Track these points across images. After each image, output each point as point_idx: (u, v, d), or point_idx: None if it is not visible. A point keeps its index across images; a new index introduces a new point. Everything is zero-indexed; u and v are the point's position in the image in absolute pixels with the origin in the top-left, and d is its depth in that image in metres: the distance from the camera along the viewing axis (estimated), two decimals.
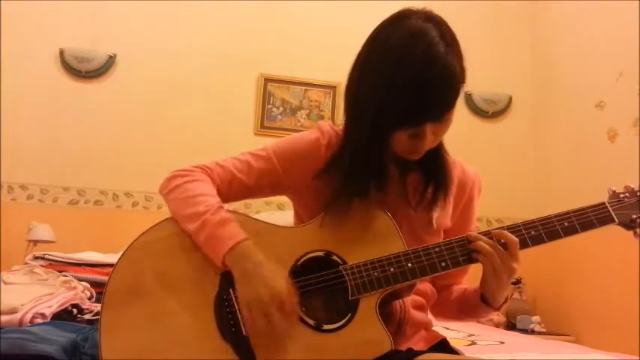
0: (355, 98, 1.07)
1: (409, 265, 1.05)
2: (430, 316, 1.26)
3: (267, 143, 1.18)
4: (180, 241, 1.08)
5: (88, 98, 3.51)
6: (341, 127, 1.18)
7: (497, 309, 1.16)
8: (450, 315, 1.29)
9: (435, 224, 1.16)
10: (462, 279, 1.28)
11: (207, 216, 1.04)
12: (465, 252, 1.07)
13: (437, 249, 1.07)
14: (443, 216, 1.19)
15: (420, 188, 1.15)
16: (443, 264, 1.06)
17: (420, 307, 1.19)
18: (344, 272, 1.05)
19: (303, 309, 1.03)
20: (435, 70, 0.98)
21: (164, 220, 1.11)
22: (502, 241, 1.05)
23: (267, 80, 3.71)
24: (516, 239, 1.05)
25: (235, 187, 1.14)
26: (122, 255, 1.07)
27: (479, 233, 1.07)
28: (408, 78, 0.97)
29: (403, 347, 1.09)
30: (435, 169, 1.15)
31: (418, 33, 1.00)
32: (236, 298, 1.03)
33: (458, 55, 1.02)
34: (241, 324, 1.02)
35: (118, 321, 1.02)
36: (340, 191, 1.08)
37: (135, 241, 1.08)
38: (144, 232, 1.09)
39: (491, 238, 1.06)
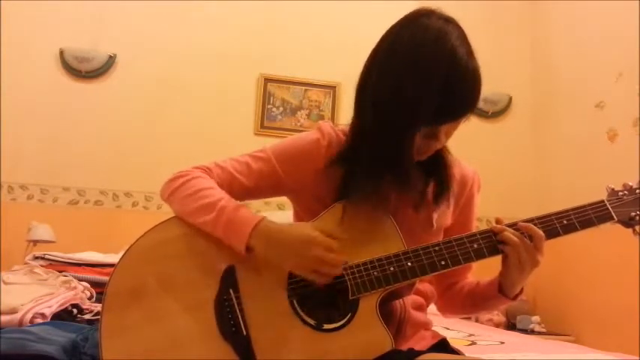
0: (376, 100, 1.05)
1: (409, 264, 1.06)
2: (430, 315, 1.26)
3: (267, 145, 1.18)
4: (180, 242, 1.08)
5: (88, 98, 3.51)
6: (342, 127, 1.18)
7: (513, 299, 1.17)
8: (462, 310, 1.31)
9: (435, 224, 1.16)
10: (466, 275, 1.29)
11: (223, 203, 1.05)
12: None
13: (436, 248, 1.07)
14: (443, 215, 1.19)
15: (420, 187, 1.15)
16: (442, 262, 1.06)
17: (419, 308, 1.20)
18: (344, 272, 1.05)
19: (304, 308, 1.03)
20: (461, 71, 1.01)
21: (164, 222, 1.10)
22: (528, 233, 1.07)
23: (267, 80, 3.71)
24: (542, 233, 1.07)
25: (235, 188, 1.14)
26: (123, 256, 1.07)
27: (505, 225, 1.09)
28: (436, 81, 0.99)
29: (403, 347, 1.09)
30: (437, 167, 1.16)
31: (441, 35, 1.02)
32: (237, 297, 1.03)
33: (474, 56, 1.05)
34: (241, 323, 1.02)
35: (119, 322, 1.02)
36: (363, 192, 1.07)
37: (135, 242, 1.08)
38: (144, 234, 1.08)
39: (517, 230, 1.07)
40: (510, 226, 1.09)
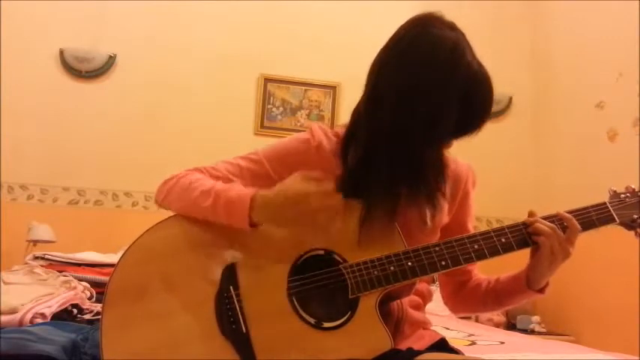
0: (394, 116, 1.05)
1: (409, 263, 1.06)
2: (429, 315, 1.25)
3: (259, 147, 1.19)
4: (181, 240, 1.08)
5: (88, 98, 3.51)
6: (337, 128, 1.18)
7: (541, 292, 1.17)
8: (482, 307, 1.30)
9: (429, 222, 1.16)
10: (474, 270, 1.28)
11: (217, 187, 1.07)
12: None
13: (437, 248, 1.07)
14: (438, 213, 1.18)
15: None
16: (443, 263, 1.07)
17: (417, 307, 1.19)
18: (344, 271, 1.05)
19: (304, 306, 1.03)
20: (477, 84, 1.04)
21: (165, 220, 1.11)
22: (564, 224, 1.08)
23: (267, 80, 3.71)
24: (579, 226, 1.08)
25: None
26: (123, 254, 1.07)
27: (541, 217, 1.10)
28: (456, 97, 1.02)
29: (402, 347, 1.09)
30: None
31: (455, 50, 1.03)
32: (237, 295, 1.04)
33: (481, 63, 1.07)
34: (241, 321, 1.02)
35: (119, 320, 1.02)
36: (380, 202, 1.07)
37: (136, 240, 1.08)
38: (145, 232, 1.09)
39: (552, 221, 1.08)
40: (547, 218, 1.09)
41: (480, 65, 1.05)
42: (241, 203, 1.03)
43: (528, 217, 1.11)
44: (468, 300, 1.28)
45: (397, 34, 1.08)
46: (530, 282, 1.16)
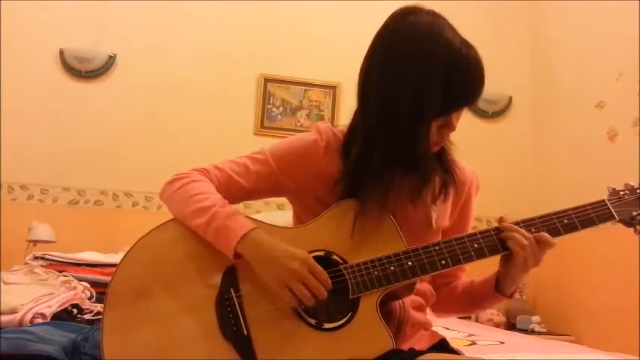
0: (382, 101, 1.06)
1: (409, 263, 1.06)
2: (429, 315, 1.26)
3: (265, 146, 1.18)
4: (182, 242, 1.08)
5: (88, 98, 3.51)
6: (340, 128, 1.18)
7: (510, 297, 1.18)
8: (458, 309, 1.30)
9: (434, 224, 1.16)
10: (460, 275, 1.29)
11: (216, 209, 1.05)
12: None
13: (437, 247, 1.08)
14: (442, 215, 1.19)
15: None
16: (443, 262, 1.07)
17: (419, 308, 1.19)
18: (344, 271, 1.05)
19: (303, 307, 1.03)
20: (459, 59, 1.03)
21: (166, 222, 1.11)
22: (539, 239, 1.07)
23: (267, 80, 3.71)
24: (553, 241, 1.08)
25: (233, 189, 1.15)
26: (125, 256, 1.07)
27: (513, 223, 1.09)
28: (437, 73, 1.01)
29: (403, 347, 1.09)
30: (440, 161, 1.16)
31: (434, 29, 1.04)
32: (237, 297, 1.04)
33: (469, 43, 1.07)
34: (242, 323, 1.02)
35: (120, 322, 1.02)
36: (374, 192, 1.07)
37: (137, 242, 1.08)
38: (147, 233, 1.09)
39: (527, 229, 1.08)
40: (517, 224, 1.09)
41: (464, 44, 1.05)
42: (233, 234, 1.03)
43: (499, 222, 1.11)
44: (445, 301, 1.28)
45: (380, 29, 1.10)
46: (500, 288, 1.17)
